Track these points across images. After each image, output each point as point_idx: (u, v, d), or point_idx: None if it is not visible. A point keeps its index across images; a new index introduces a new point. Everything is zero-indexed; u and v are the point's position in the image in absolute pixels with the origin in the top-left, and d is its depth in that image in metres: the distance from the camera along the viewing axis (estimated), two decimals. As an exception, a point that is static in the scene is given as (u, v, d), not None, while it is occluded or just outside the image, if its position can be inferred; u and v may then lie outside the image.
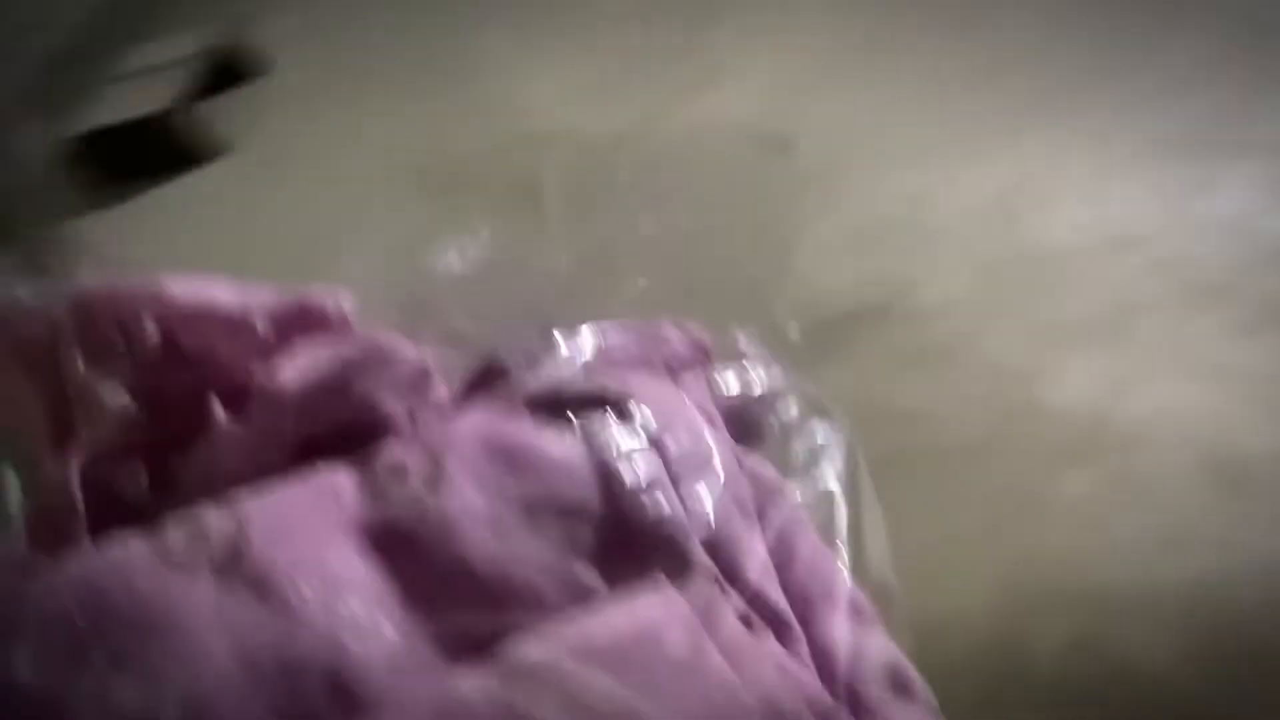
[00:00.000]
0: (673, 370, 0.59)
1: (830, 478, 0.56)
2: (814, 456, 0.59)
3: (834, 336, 0.74)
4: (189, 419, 0.52)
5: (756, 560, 0.50)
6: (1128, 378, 0.74)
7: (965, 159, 0.91)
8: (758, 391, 0.61)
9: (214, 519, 0.46)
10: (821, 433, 0.58)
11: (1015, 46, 1.04)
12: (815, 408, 0.61)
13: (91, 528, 0.47)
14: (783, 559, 0.52)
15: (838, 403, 0.58)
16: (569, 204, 0.77)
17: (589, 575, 0.46)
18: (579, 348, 0.58)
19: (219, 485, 0.49)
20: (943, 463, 0.66)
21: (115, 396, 0.51)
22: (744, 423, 0.60)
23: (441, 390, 0.56)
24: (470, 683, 0.41)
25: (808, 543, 0.54)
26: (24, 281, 0.51)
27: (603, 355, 0.57)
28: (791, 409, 0.60)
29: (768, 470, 0.57)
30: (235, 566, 0.44)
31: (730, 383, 0.60)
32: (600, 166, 0.86)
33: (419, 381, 0.54)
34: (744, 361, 0.62)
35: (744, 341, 0.63)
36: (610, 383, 0.54)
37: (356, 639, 0.43)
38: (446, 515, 0.47)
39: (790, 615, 0.50)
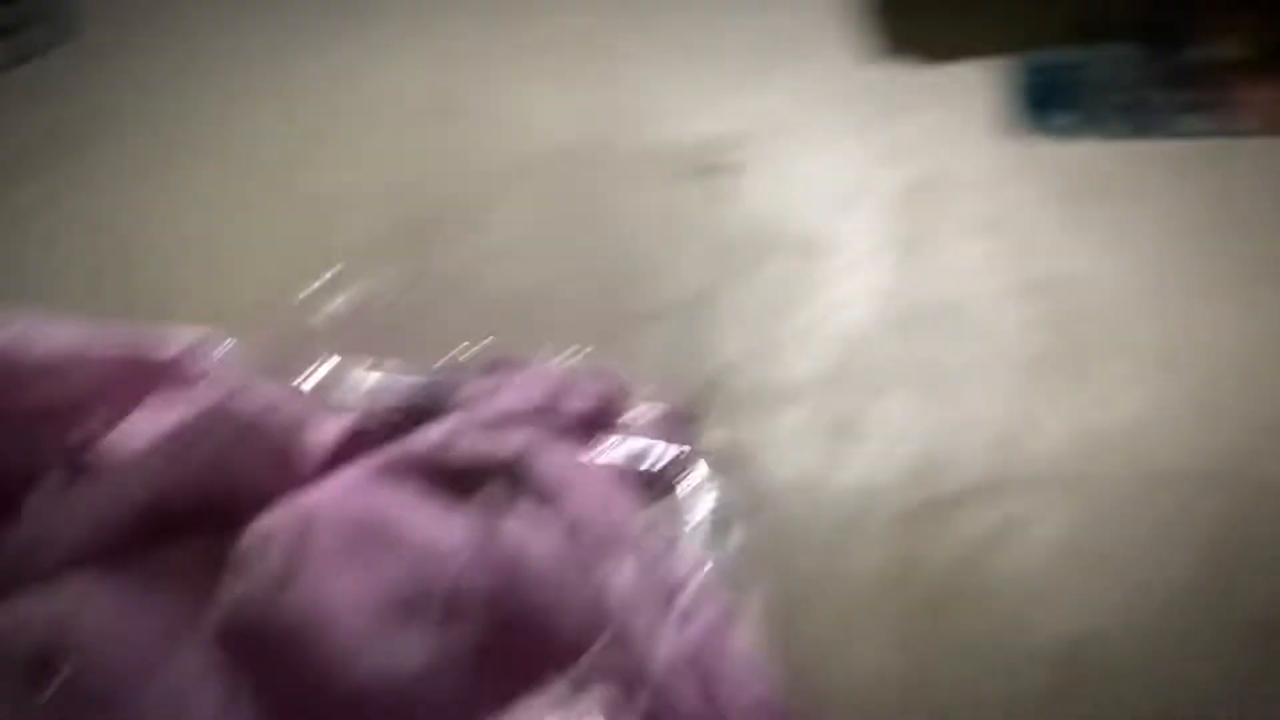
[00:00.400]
0: (581, 428, 0.53)
1: (732, 542, 0.51)
2: (720, 519, 0.54)
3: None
4: (20, 482, 0.44)
5: (667, 653, 0.44)
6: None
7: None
8: (664, 451, 0.55)
9: (33, 619, 0.39)
10: (724, 494, 0.53)
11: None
12: (721, 466, 0.56)
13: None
14: (700, 649, 0.47)
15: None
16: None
17: (469, 680, 0.40)
18: (472, 400, 0.52)
19: (50, 558, 0.43)
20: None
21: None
22: (651, 482, 0.55)
23: (318, 436, 0.49)
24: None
25: (725, 631, 0.48)
26: None
27: (501, 412, 0.51)
28: (697, 469, 0.55)
29: (684, 546, 0.51)
30: (51, 677, 0.38)
31: (637, 441, 0.55)
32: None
33: (286, 439, 0.48)
34: (651, 420, 0.57)
35: (652, 398, 0.57)
36: (506, 445, 0.48)
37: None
38: (305, 613, 0.40)
39: (704, 714, 0.44)
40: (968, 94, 0.78)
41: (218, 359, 0.51)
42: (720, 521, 0.54)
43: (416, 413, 0.53)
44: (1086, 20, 0.84)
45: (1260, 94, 0.79)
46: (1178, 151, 0.76)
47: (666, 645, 0.44)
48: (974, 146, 0.76)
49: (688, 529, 0.53)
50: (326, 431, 0.50)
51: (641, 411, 0.56)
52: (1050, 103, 0.78)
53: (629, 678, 0.42)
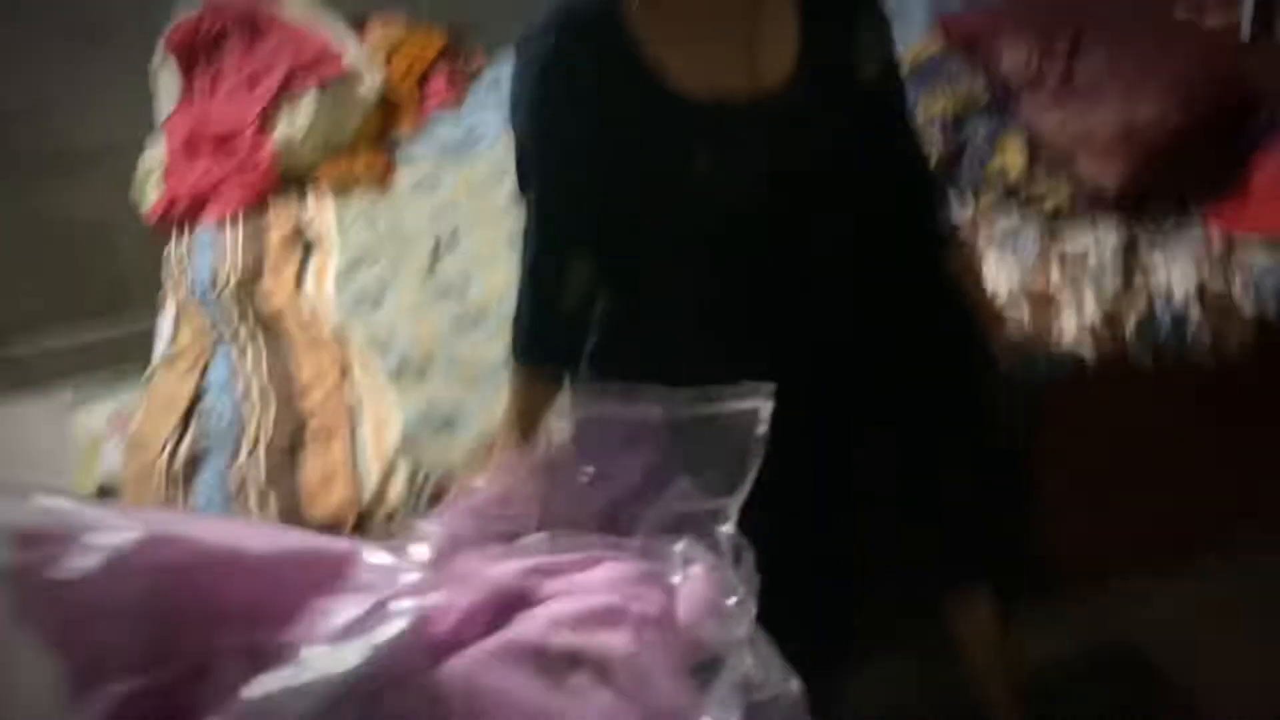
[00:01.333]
0: (646, 625, 0.61)
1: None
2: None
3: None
4: (196, 680, 0.52)
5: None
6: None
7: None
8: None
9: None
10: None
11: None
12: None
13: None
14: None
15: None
16: None
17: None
18: (555, 594, 0.61)
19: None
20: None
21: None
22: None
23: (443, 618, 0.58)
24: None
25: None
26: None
27: (585, 609, 0.60)
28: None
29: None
30: None
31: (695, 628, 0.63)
32: None
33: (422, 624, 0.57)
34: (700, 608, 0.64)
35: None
36: (593, 640, 0.58)
37: None
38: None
39: None
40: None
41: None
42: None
43: (511, 600, 0.61)
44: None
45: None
46: None
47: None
48: None
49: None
50: (447, 614, 0.59)
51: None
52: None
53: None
